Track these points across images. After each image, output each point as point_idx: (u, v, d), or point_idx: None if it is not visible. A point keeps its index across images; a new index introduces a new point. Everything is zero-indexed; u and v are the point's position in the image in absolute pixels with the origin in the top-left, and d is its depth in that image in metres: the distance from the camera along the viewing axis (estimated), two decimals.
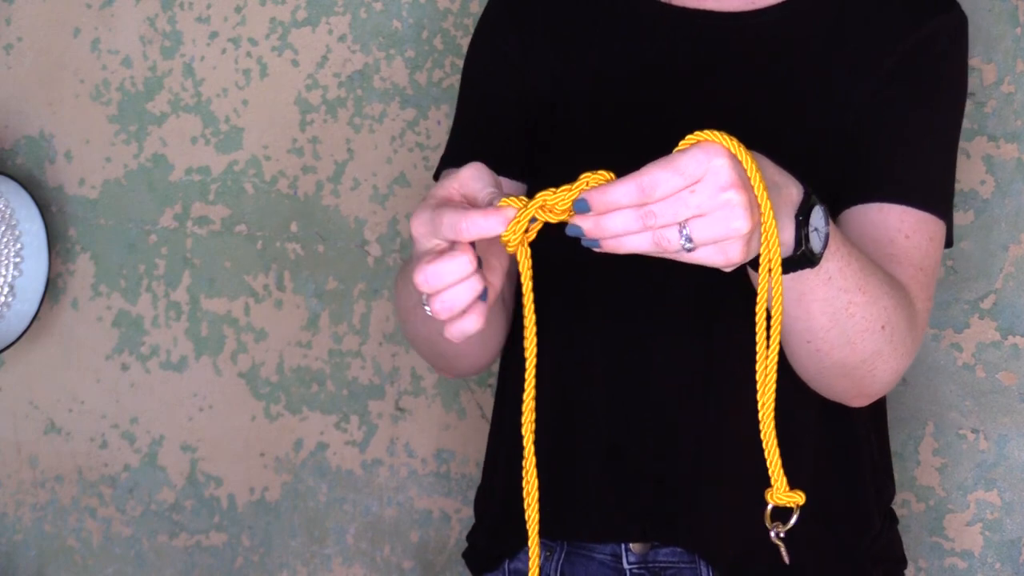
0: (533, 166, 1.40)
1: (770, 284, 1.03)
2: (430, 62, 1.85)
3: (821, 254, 1.10)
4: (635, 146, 1.35)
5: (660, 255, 1.00)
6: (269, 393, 1.93)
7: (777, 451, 1.06)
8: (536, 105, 1.40)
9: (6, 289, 1.90)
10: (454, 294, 1.01)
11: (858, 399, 1.29)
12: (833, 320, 1.17)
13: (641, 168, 0.98)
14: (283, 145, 1.90)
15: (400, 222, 1.88)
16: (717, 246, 0.99)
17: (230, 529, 1.96)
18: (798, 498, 1.07)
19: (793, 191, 1.08)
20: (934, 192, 1.32)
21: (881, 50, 1.33)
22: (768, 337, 1.05)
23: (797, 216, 1.07)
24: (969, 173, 1.69)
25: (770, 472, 1.06)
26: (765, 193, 1.00)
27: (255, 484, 1.95)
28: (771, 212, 1.00)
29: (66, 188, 1.97)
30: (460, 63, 1.77)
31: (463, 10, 1.84)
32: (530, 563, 1.09)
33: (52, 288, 1.97)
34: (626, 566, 1.36)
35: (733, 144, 0.99)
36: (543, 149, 1.40)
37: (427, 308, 1.03)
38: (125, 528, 1.99)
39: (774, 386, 1.06)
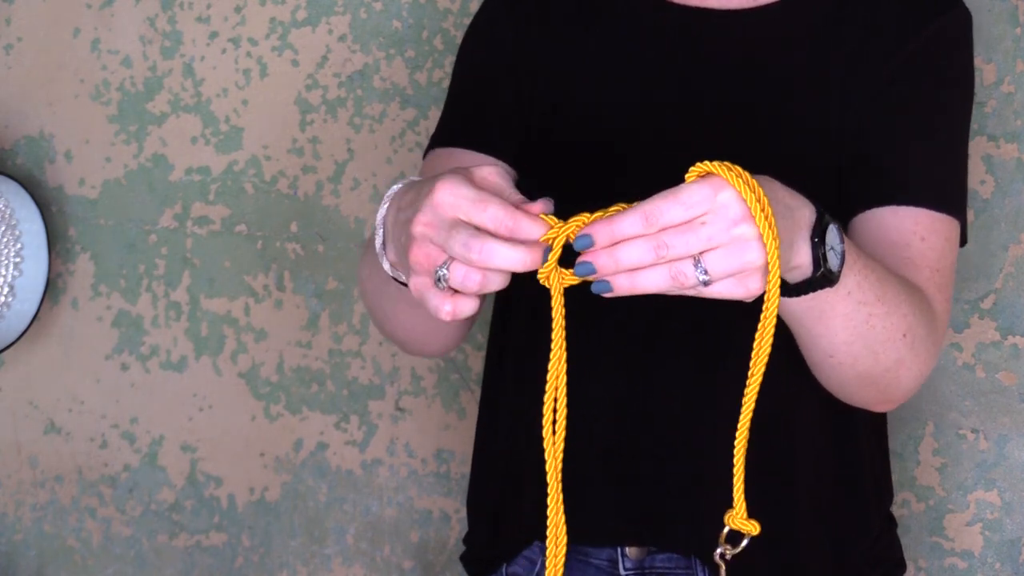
0: (534, 164, 1.40)
1: (768, 314, 1.03)
2: (430, 62, 1.85)
3: (839, 272, 1.10)
4: (635, 146, 1.36)
5: (677, 291, 1.00)
6: (269, 393, 1.93)
7: (743, 475, 1.06)
8: (535, 104, 1.40)
9: (6, 289, 1.90)
10: (490, 276, 1.00)
11: (883, 405, 1.29)
12: (855, 334, 1.17)
13: (646, 200, 0.98)
14: (283, 145, 1.90)
15: None
16: (735, 279, 1.00)
17: (230, 529, 1.96)
18: (752, 528, 1.08)
19: (806, 212, 1.07)
20: (947, 192, 1.32)
21: (884, 48, 1.33)
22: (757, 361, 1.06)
23: (813, 238, 1.07)
24: (969, 173, 1.69)
25: (734, 496, 1.07)
26: (767, 223, 0.98)
27: (255, 484, 1.95)
28: (776, 244, 0.99)
29: (66, 188, 1.97)
30: None
31: (463, 10, 1.84)
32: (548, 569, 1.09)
33: (52, 288, 1.97)
34: (622, 572, 1.36)
35: (739, 178, 0.98)
36: (542, 150, 1.40)
37: (443, 276, 1.00)
38: (125, 528, 1.99)
39: (751, 415, 1.06)
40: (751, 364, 1.04)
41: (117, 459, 1.98)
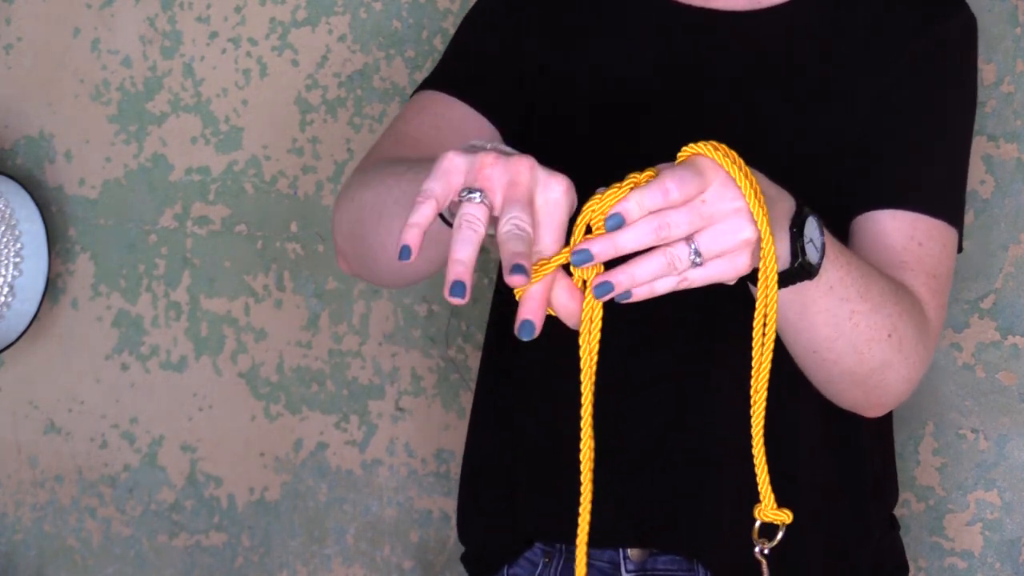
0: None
1: (766, 297, 1.03)
2: (430, 62, 1.85)
3: (819, 265, 1.10)
4: (636, 146, 1.36)
5: (669, 280, 1.00)
6: (269, 393, 1.93)
7: (766, 467, 1.06)
8: (535, 102, 1.39)
9: (6, 289, 1.90)
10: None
11: (872, 410, 1.29)
12: (837, 330, 1.17)
13: (658, 176, 0.98)
14: (283, 145, 1.90)
15: None
16: (726, 258, 1.00)
17: (230, 529, 1.96)
18: (785, 517, 1.07)
19: (786, 204, 1.08)
20: (947, 199, 1.32)
21: (890, 51, 1.32)
22: (763, 349, 1.05)
23: (791, 228, 1.07)
24: (969, 173, 1.69)
25: (759, 488, 1.06)
26: (756, 200, 0.99)
27: (255, 484, 1.95)
28: (767, 224, 1.00)
29: (66, 188, 1.97)
30: None
31: (463, 10, 1.84)
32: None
33: (52, 288, 1.97)
34: (624, 573, 1.36)
35: (726, 157, 0.98)
36: (541, 147, 1.40)
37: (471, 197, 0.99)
38: (125, 528, 1.99)
39: (764, 402, 1.05)
40: (754, 345, 1.04)
41: (117, 459, 1.98)
